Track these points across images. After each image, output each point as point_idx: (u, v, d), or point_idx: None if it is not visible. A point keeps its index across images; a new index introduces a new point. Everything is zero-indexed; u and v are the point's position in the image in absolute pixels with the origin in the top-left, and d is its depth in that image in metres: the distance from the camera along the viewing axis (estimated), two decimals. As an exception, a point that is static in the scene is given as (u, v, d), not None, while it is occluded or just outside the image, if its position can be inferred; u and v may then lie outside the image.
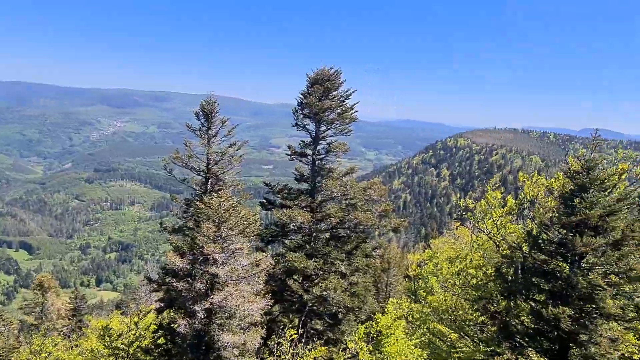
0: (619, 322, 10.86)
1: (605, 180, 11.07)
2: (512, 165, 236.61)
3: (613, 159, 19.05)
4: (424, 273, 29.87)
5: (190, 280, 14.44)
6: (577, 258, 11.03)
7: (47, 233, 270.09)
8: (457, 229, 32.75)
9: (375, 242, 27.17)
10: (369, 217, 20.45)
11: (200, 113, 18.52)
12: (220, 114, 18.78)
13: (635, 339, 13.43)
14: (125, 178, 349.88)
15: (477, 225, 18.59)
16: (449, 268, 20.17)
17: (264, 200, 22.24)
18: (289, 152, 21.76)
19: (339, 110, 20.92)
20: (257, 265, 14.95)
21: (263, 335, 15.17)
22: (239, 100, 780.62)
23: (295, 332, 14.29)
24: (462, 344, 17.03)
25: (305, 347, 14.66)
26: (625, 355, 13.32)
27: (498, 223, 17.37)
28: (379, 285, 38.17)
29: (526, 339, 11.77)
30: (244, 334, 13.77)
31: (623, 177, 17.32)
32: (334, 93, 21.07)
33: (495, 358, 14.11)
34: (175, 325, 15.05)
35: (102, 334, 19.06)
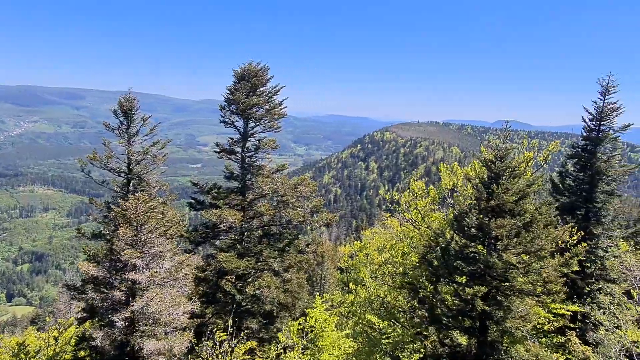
0: (530, 297, 11.91)
1: (516, 168, 12.05)
2: (434, 156, 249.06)
3: (522, 147, 20.69)
4: (355, 264, 30.64)
5: (107, 290, 13.68)
6: (493, 240, 11.92)
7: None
8: (387, 219, 33.89)
9: (308, 237, 27.42)
10: (300, 214, 20.58)
11: (119, 111, 17.55)
12: (140, 112, 17.93)
13: (544, 312, 14.77)
14: (36, 182, 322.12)
15: (403, 215, 19.41)
16: (378, 258, 20.89)
17: (192, 201, 21.62)
18: (217, 150, 21.29)
19: (267, 107, 20.78)
20: (182, 268, 14.50)
21: (192, 339, 14.79)
22: (162, 97, 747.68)
23: (225, 333, 14.09)
24: (392, 330, 17.72)
25: (234, 345, 14.50)
26: (537, 326, 14.63)
27: (422, 212, 18.24)
28: (313, 279, 38.63)
29: (450, 320, 12.53)
30: (170, 339, 13.31)
31: (530, 164, 18.88)
32: (262, 89, 20.89)
33: (424, 341, 14.83)
34: (89, 337, 14.24)
35: (16, 352, 17.57)
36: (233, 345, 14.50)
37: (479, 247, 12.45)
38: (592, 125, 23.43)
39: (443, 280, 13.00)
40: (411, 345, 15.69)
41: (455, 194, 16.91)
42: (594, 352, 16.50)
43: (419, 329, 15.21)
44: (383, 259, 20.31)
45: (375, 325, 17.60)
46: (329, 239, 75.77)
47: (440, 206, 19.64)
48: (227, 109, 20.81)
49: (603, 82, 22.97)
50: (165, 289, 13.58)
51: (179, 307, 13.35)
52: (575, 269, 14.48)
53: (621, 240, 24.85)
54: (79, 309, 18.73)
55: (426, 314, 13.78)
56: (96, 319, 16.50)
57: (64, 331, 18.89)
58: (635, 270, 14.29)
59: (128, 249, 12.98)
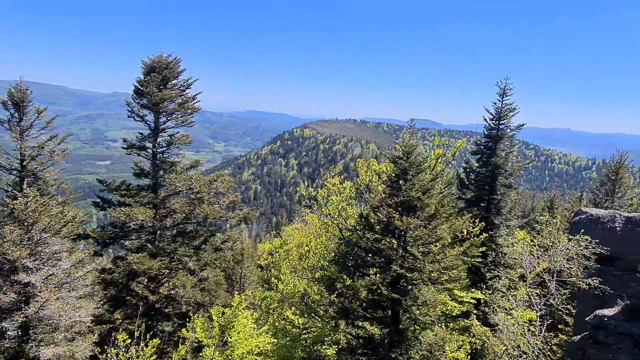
0: (435, 285, 12.67)
1: (421, 164, 12.71)
2: (353, 153, 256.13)
3: (433, 145, 21.91)
4: (275, 261, 30.56)
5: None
6: (402, 233, 12.48)
7: None
8: (306, 215, 34.12)
9: (225, 235, 26.78)
10: (216, 210, 20.09)
11: (9, 102, 15.87)
12: (36, 103, 16.36)
13: (449, 300, 15.80)
14: None
15: (321, 211, 19.68)
16: (298, 253, 20.98)
17: (99, 200, 20.20)
18: (125, 146, 20.08)
19: (179, 100, 19.99)
20: (82, 268, 13.51)
21: (95, 345, 13.78)
22: (64, 89, 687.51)
23: (128, 336, 13.33)
24: (312, 324, 17.93)
25: (142, 348, 13.78)
26: (444, 312, 15.61)
27: (339, 208, 18.63)
28: (232, 278, 37.90)
29: (363, 312, 12.94)
30: (72, 345, 12.34)
31: (440, 160, 20.01)
32: (174, 82, 20.05)
33: (340, 334, 15.16)
34: None
35: None
36: (141, 350, 13.74)
37: (390, 240, 12.97)
38: (492, 125, 25.55)
39: (357, 273, 13.36)
40: (330, 338, 15.98)
41: (370, 192, 17.45)
42: (493, 333, 17.96)
43: (335, 322, 15.53)
44: (302, 254, 20.44)
45: (295, 321, 17.68)
46: (249, 236, 74.90)
47: (357, 201, 20.20)
48: (136, 102, 19.72)
49: (501, 85, 25.12)
50: (63, 291, 12.53)
51: (80, 310, 12.39)
52: (477, 255, 15.61)
53: (517, 229, 27.37)
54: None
55: (340, 307, 14.10)
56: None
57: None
58: (526, 256, 15.76)
59: (16, 248, 11.75)
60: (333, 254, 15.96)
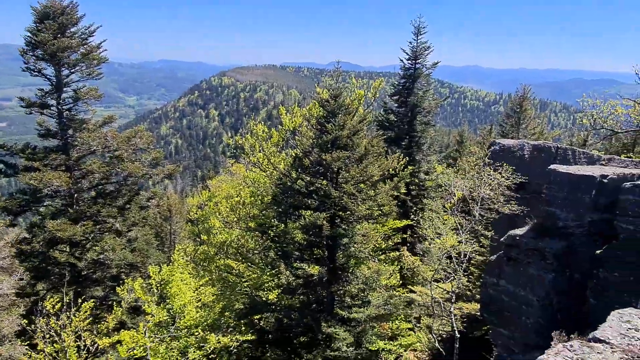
0: (368, 220, 13.29)
1: (349, 106, 12.86)
2: (275, 100, 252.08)
3: (352, 87, 22.07)
4: (205, 214, 30.12)
5: None
6: (334, 175, 12.77)
7: None
8: (232, 166, 33.61)
9: (149, 192, 25.72)
10: (139, 167, 19.10)
11: None
12: None
13: (381, 228, 16.68)
14: None
15: (249, 160, 19.43)
16: (227, 205, 20.78)
17: (2, 165, 18.29)
18: (24, 105, 18.10)
19: (82, 50, 18.17)
20: None
21: (22, 319, 13.04)
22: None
23: (59, 302, 12.74)
24: (251, 272, 18.20)
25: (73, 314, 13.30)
26: (376, 246, 16.50)
27: (268, 154, 18.49)
28: (162, 235, 37.02)
29: (301, 253, 13.35)
30: None
31: (362, 101, 20.31)
32: (73, 29, 18.11)
33: (280, 277, 15.57)
34: None
35: None
36: (72, 315, 13.21)
37: (323, 182, 13.23)
38: (408, 64, 26.27)
39: (292, 217, 13.59)
40: (269, 283, 16.37)
41: (296, 136, 17.42)
42: (421, 261, 19.44)
43: (273, 267, 15.88)
44: (233, 205, 20.28)
45: (233, 269, 17.81)
46: (175, 192, 72.65)
47: (284, 148, 20.15)
48: (30, 53, 17.63)
49: (415, 24, 25.62)
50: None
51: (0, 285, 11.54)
52: (403, 191, 16.46)
53: (437, 163, 29.09)
54: None
55: (278, 252, 14.39)
56: None
57: None
58: (450, 187, 16.92)
59: None
60: (266, 201, 16.03)
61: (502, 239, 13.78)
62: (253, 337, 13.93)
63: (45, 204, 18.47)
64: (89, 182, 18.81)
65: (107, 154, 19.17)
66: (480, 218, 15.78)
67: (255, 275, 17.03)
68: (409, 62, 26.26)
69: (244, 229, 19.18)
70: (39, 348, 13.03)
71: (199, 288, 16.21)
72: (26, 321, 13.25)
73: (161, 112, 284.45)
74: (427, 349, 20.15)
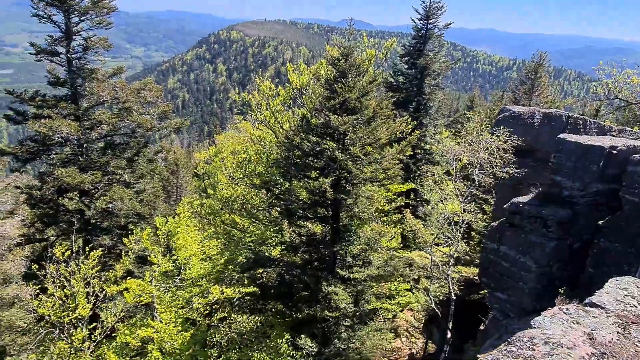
0: (373, 183, 13.38)
1: (360, 66, 12.65)
2: (284, 56, 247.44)
3: (363, 46, 21.62)
4: (211, 169, 30.35)
5: None
6: (341, 136, 12.75)
7: None
8: (239, 122, 33.54)
9: (156, 146, 25.86)
10: (148, 121, 19.12)
11: None
12: None
13: (385, 192, 16.82)
14: None
15: (256, 117, 19.36)
16: (233, 161, 20.91)
17: (11, 112, 18.34)
18: (34, 52, 17.93)
19: (92, -3, 17.80)
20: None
21: (27, 256, 13.52)
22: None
23: (68, 249, 13.13)
24: (254, 228, 18.55)
25: (81, 261, 13.78)
26: (379, 208, 16.70)
27: (274, 112, 18.40)
28: (169, 188, 37.51)
29: (305, 212, 13.54)
30: (2, 263, 11.99)
31: (372, 61, 19.94)
32: (82, -25, 17.66)
33: (283, 234, 15.88)
34: None
35: None
36: (81, 262, 13.67)
37: (330, 143, 13.24)
38: (420, 24, 25.54)
39: (297, 177, 13.68)
40: (273, 240, 16.71)
41: (304, 95, 17.25)
42: (423, 224, 19.69)
43: (276, 224, 16.16)
44: (238, 161, 20.41)
45: (238, 224, 18.13)
46: (181, 146, 72.96)
47: (291, 107, 20.00)
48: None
49: (429, -20, 24.69)
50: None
51: (4, 225, 11.89)
52: (409, 154, 16.48)
53: (444, 128, 28.84)
54: None
55: (282, 210, 14.59)
56: None
57: None
58: (452, 152, 16.88)
59: None
60: (272, 159, 16.10)
61: (505, 206, 13.91)
62: (255, 290, 14.35)
63: (54, 152, 18.64)
64: (97, 133, 18.89)
65: (115, 106, 19.14)
66: (478, 183, 15.83)
67: (259, 231, 17.35)
68: (421, 22, 25.54)
69: (249, 185, 19.39)
70: (49, 292, 13.56)
71: (204, 241, 16.60)
72: (37, 266, 13.70)
73: (168, 65, 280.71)
74: (423, 310, 20.77)
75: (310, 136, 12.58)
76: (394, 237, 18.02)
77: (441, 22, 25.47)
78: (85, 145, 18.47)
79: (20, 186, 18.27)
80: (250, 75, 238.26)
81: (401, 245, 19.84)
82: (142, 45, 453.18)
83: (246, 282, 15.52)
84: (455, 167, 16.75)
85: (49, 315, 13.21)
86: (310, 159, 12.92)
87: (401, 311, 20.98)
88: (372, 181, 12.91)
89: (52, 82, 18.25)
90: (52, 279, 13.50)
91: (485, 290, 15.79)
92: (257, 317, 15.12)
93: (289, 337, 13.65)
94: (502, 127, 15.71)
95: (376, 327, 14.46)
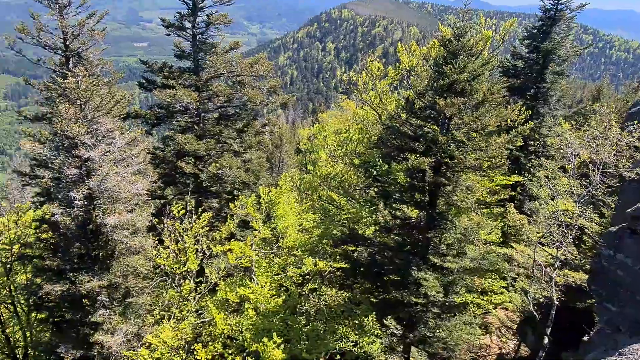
0: (475, 172, 12.79)
1: (473, 47, 12.01)
2: (393, 37, 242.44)
3: (479, 27, 20.40)
4: (314, 146, 31.20)
5: (59, 167, 13.37)
6: (446, 120, 12.31)
7: None
8: (343, 101, 33.83)
9: (264, 119, 27.19)
10: (258, 94, 20.16)
11: (42, -24, 15.54)
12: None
13: (488, 183, 16.00)
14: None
15: (360, 97, 19.41)
16: (335, 140, 21.29)
17: (143, 80, 20.53)
18: (165, 25, 19.73)
19: (217, -25, 19.03)
20: (137, 145, 14.33)
21: (153, 217, 15.23)
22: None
23: (183, 208, 14.53)
24: (350, 206, 18.87)
25: (194, 221, 15.20)
26: (480, 199, 15.96)
27: (380, 93, 18.28)
28: (272, 161, 39.36)
29: (401, 195, 13.41)
30: (131, 214, 13.59)
31: (488, 43, 18.80)
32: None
33: (378, 215, 15.93)
34: (49, 216, 14.34)
35: (-25, 235, 17.55)
36: (193, 221, 15.10)
37: (433, 126, 12.85)
38: (549, 4, 23.15)
39: (397, 159, 13.54)
40: (367, 219, 16.88)
41: (412, 77, 16.86)
42: (528, 221, 18.41)
43: (372, 204, 16.24)
44: (340, 140, 20.73)
45: (334, 201, 18.56)
46: (286, 121, 75.69)
47: (397, 88, 19.70)
48: (172, -23, 18.86)
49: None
50: (120, 167, 13.45)
51: (136, 184, 13.41)
52: (519, 145, 15.43)
53: (563, 119, 26.34)
54: (35, 194, 18.51)
55: (379, 191, 14.59)
56: (55, 203, 16.47)
57: (22, 215, 18.79)
58: (571, 147, 15.40)
59: (73, 125, 12.43)
60: (374, 140, 16.10)
61: (629, 210, 12.47)
62: (346, 265, 14.69)
63: (176, 119, 20.59)
64: (213, 104, 20.41)
65: (230, 79, 20.44)
66: (599, 183, 14.30)
67: (354, 209, 17.60)
68: (550, 1, 23.20)
69: (349, 164, 19.66)
70: (165, 244, 15.27)
71: (301, 213, 17.28)
72: (157, 220, 15.47)
73: (280, 42, 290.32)
74: (519, 310, 19.62)
75: (413, 119, 12.33)
76: (493, 231, 17.15)
77: (574, 2, 22.92)
78: (202, 114, 20.09)
79: (147, 147, 20.54)
80: (357, 55, 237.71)
81: (501, 240, 18.82)
82: (259, 23, 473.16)
83: (338, 257, 15.93)
84: (574, 163, 15.32)
85: (164, 265, 14.91)
86: (411, 142, 12.70)
87: (494, 308, 20.07)
88: (475, 169, 12.32)
89: (178, 55, 20.01)
90: (168, 233, 15.17)
91: (594, 299, 14.45)
92: (345, 293, 15.52)
93: (375, 316, 13.81)
94: (635, 121, 13.96)
95: (465, 320, 14.01)
